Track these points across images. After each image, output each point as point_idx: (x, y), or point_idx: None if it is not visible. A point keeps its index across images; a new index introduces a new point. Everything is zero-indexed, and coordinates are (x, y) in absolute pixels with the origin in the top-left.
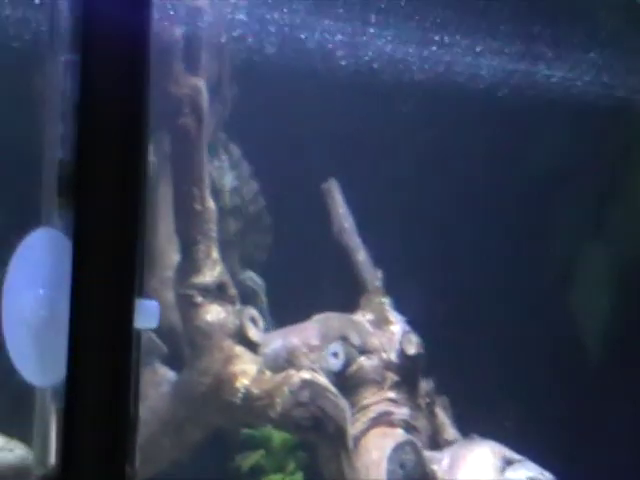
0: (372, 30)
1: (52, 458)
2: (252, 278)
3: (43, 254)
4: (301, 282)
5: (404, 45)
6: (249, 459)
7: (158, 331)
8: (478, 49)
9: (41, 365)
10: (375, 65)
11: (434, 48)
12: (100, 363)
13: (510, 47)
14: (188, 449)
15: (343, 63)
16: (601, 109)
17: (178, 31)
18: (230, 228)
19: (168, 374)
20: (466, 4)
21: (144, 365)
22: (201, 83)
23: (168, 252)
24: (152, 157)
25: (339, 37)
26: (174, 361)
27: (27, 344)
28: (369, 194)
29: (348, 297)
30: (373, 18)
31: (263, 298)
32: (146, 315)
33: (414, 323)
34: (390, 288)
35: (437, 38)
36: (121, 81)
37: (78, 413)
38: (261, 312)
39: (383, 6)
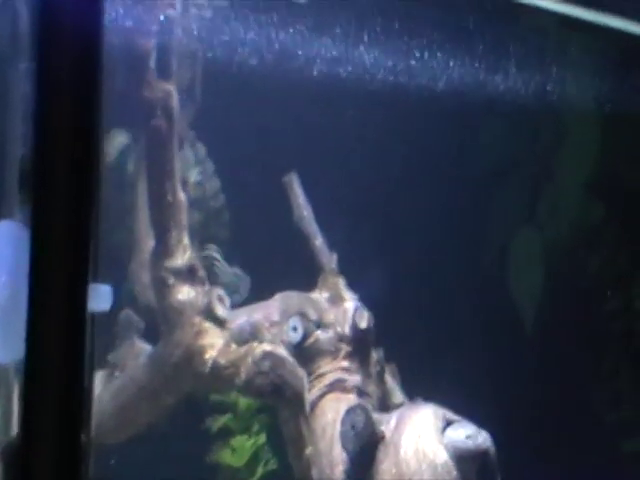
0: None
1: (14, 429)
2: (237, 274)
3: (5, 244)
4: (262, 267)
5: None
6: (218, 422)
7: (137, 308)
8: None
9: (4, 343)
10: (333, 68)
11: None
12: (55, 342)
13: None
14: (163, 413)
15: (309, 66)
16: (533, 108)
17: (151, 40)
18: (192, 219)
19: (145, 347)
20: None
21: (123, 339)
22: (172, 87)
23: (146, 239)
24: (129, 155)
25: (302, 38)
26: (152, 335)
27: None
28: (324, 188)
29: (306, 278)
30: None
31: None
32: (100, 298)
33: (366, 300)
34: (344, 270)
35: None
36: (73, 83)
37: (35, 388)
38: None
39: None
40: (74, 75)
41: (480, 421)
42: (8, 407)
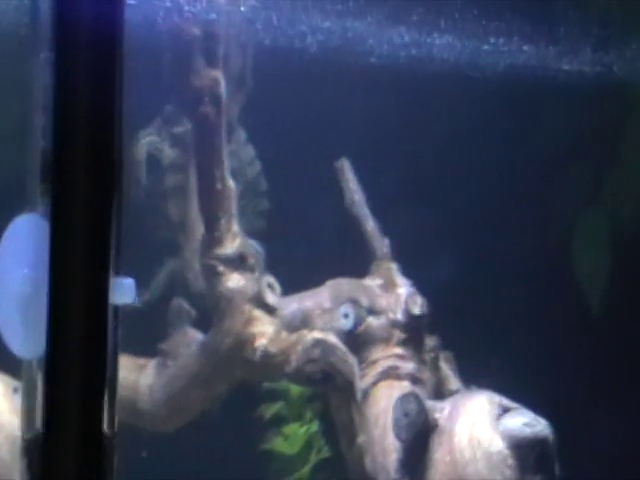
0: (386, 21)
1: (39, 423)
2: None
3: (28, 237)
4: (312, 254)
5: (407, 33)
6: (270, 409)
7: (189, 297)
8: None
9: (27, 338)
10: (387, 55)
11: (435, 34)
12: (76, 336)
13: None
14: (215, 401)
15: (359, 53)
16: (599, 89)
17: (198, 27)
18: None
19: (197, 335)
20: None
21: (175, 328)
22: (220, 75)
23: (197, 227)
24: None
25: (353, 26)
26: (205, 324)
27: (14, 320)
28: (380, 172)
29: (358, 265)
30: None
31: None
32: (123, 292)
33: (420, 286)
34: (398, 255)
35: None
36: (93, 75)
37: (56, 383)
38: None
39: None
40: (93, 65)
41: (539, 408)
42: (32, 403)
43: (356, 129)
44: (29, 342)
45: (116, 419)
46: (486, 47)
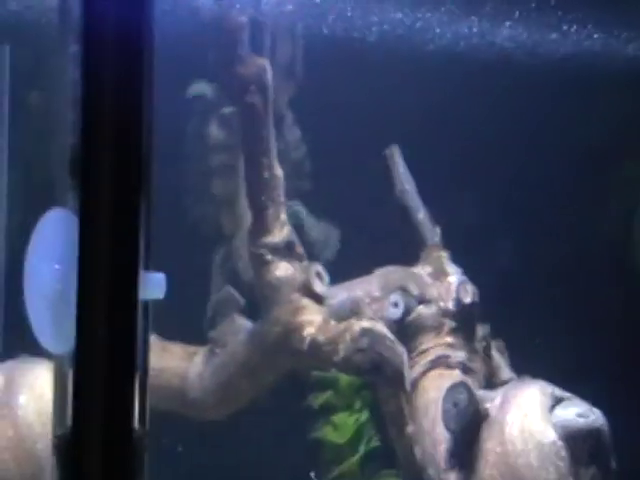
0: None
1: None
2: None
3: (57, 232)
4: (363, 242)
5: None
6: (320, 398)
7: (237, 285)
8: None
9: (57, 334)
10: (436, 41)
11: (484, 24)
12: (105, 331)
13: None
14: (264, 390)
15: (409, 40)
16: None
17: (244, 15)
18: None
19: (245, 324)
20: None
21: (224, 316)
22: (266, 63)
23: (246, 216)
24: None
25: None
26: (254, 312)
27: (45, 315)
28: (432, 160)
29: (409, 253)
30: None
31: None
32: (153, 287)
33: (472, 274)
34: (449, 244)
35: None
36: (120, 70)
37: (86, 378)
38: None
39: None
40: (120, 61)
41: (593, 399)
42: (63, 399)
43: (409, 117)
44: (59, 337)
45: (147, 415)
46: (547, 37)
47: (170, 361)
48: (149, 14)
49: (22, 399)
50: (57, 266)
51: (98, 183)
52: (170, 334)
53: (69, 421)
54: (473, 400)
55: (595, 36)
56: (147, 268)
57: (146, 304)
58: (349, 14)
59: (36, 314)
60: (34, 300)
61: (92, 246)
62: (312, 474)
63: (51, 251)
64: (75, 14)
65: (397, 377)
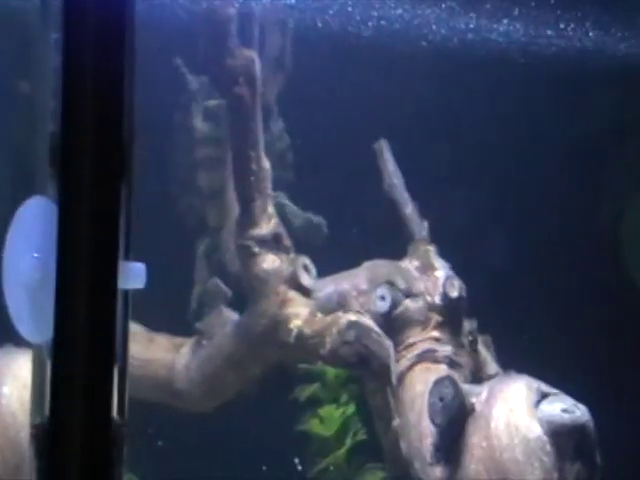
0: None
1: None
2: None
3: (37, 221)
4: (350, 236)
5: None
6: (306, 391)
7: (224, 277)
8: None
9: (36, 323)
10: (418, 32)
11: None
12: (84, 321)
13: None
14: (250, 382)
15: (398, 32)
16: None
17: (232, 7)
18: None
19: (232, 316)
20: None
21: (211, 308)
22: (255, 55)
23: (234, 207)
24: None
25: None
26: (241, 304)
27: (24, 304)
28: (421, 155)
29: (396, 247)
30: None
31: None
32: (133, 276)
33: (458, 269)
34: (436, 238)
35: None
36: (101, 58)
37: (65, 367)
38: None
39: None
40: (101, 49)
41: (578, 395)
42: (42, 388)
43: (399, 111)
44: (38, 326)
45: (126, 406)
46: (547, 33)
47: (157, 352)
48: (130, 3)
49: (6, 389)
50: (36, 255)
51: (78, 171)
52: (155, 325)
53: (47, 411)
54: (459, 394)
55: (596, 33)
56: (127, 257)
57: (126, 293)
58: (342, 7)
59: (15, 303)
60: (13, 289)
61: (71, 235)
62: (296, 461)
63: (30, 240)
64: (56, 1)
65: (383, 370)
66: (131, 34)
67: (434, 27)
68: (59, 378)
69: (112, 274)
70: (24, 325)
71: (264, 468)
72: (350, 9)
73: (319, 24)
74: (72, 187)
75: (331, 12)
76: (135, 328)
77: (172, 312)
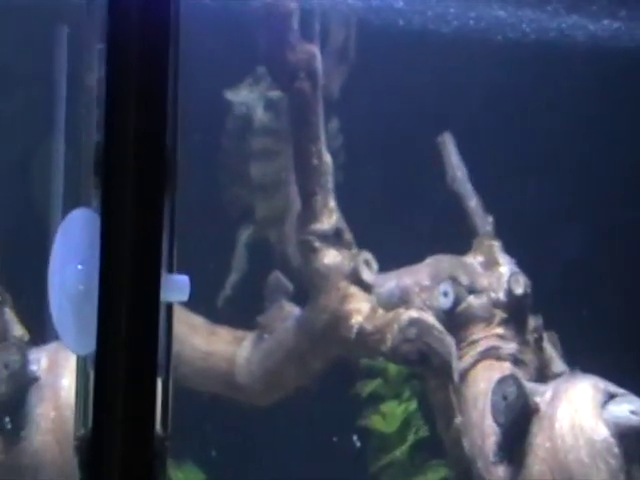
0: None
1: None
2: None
3: (81, 232)
4: (413, 229)
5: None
6: (368, 387)
7: (286, 271)
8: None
9: (80, 335)
10: (487, 28)
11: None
12: (126, 333)
13: None
14: (311, 377)
15: (457, 26)
16: None
17: (293, 3)
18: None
19: (294, 310)
20: None
21: (272, 302)
22: (316, 49)
23: (295, 201)
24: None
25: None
26: (303, 298)
27: (68, 316)
28: (483, 148)
29: (460, 242)
30: None
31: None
32: (176, 289)
33: (525, 263)
34: (500, 233)
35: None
36: (144, 68)
37: (107, 380)
38: None
39: None
40: (144, 59)
41: None
42: (86, 399)
43: (461, 105)
44: (82, 338)
45: (170, 418)
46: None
47: (218, 345)
48: (175, 11)
49: (65, 381)
50: (80, 266)
51: (120, 182)
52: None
53: (90, 423)
54: (522, 393)
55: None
56: (171, 269)
57: (169, 306)
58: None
59: (59, 314)
60: (58, 300)
61: (114, 247)
62: (354, 438)
63: (74, 251)
64: (101, 14)
65: (445, 368)
66: (175, 44)
67: (494, 17)
68: (102, 391)
69: (155, 287)
70: (68, 336)
71: (325, 463)
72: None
73: (384, 17)
74: (114, 198)
75: (398, 6)
76: (197, 320)
77: (210, 301)
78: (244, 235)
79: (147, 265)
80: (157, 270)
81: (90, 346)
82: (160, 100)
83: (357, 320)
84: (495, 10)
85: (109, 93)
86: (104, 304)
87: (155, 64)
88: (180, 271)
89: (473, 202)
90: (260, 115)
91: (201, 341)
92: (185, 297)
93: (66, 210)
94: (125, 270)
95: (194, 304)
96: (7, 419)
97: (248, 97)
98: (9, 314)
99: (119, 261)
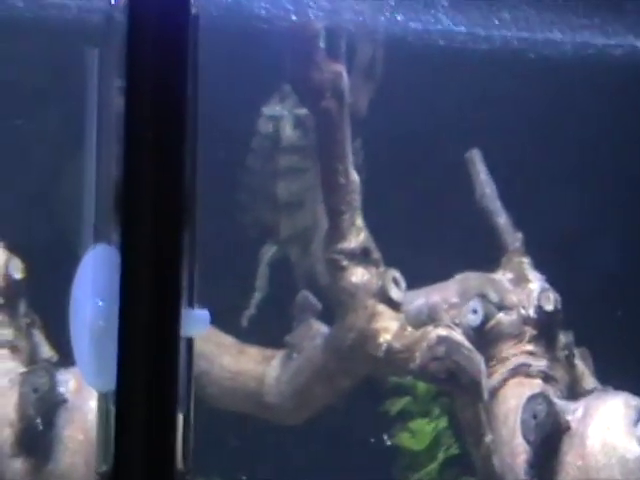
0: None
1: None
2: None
3: (101, 268)
4: (441, 246)
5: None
6: (397, 404)
7: (313, 289)
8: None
9: (101, 371)
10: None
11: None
12: (146, 369)
13: None
14: (339, 395)
15: (493, 41)
16: None
17: (319, 21)
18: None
19: (322, 328)
20: None
21: (301, 320)
22: (342, 68)
23: (323, 220)
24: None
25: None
26: (331, 316)
27: (89, 352)
28: (514, 164)
29: (489, 258)
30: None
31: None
32: (196, 323)
33: (553, 281)
34: (530, 250)
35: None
36: (162, 102)
37: (127, 416)
38: None
39: None
40: (162, 95)
41: None
42: (107, 435)
43: (489, 121)
44: (103, 375)
45: (191, 454)
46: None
47: (247, 364)
48: (193, 48)
49: (93, 404)
50: (100, 302)
51: (139, 217)
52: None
53: (112, 459)
54: (553, 411)
55: None
56: (191, 304)
57: (189, 341)
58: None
59: (80, 351)
60: (79, 337)
61: (133, 283)
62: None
63: (95, 287)
64: (119, 44)
65: (474, 386)
66: (195, 77)
67: (527, 34)
68: (122, 427)
69: (174, 322)
70: (89, 373)
71: None
72: (441, 17)
73: (411, 34)
74: (133, 234)
75: (423, 22)
76: (226, 340)
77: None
78: (267, 255)
79: (167, 301)
80: (177, 306)
81: (111, 383)
82: (179, 135)
83: (385, 338)
84: (525, 29)
85: (127, 128)
86: (124, 340)
87: (173, 98)
88: (203, 295)
89: (502, 219)
90: (288, 132)
91: (230, 360)
92: (205, 330)
93: (96, 239)
94: (144, 306)
95: (219, 324)
96: (36, 441)
97: (278, 112)
98: (38, 336)
99: (139, 297)
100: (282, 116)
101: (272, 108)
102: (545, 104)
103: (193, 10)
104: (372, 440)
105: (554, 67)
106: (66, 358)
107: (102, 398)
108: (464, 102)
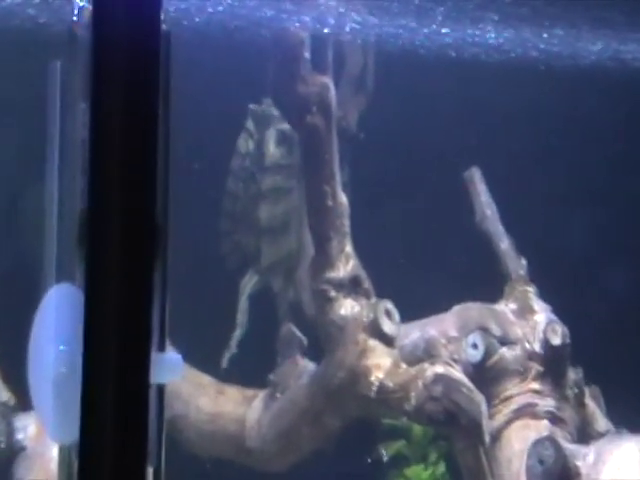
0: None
1: None
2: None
3: (64, 310)
4: (437, 275)
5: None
6: (391, 448)
7: (300, 323)
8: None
9: (62, 422)
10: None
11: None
12: (112, 420)
13: None
14: (328, 439)
15: (492, 52)
16: None
17: (304, 32)
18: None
19: (308, 366)
20: None
21: (285, 357)
22: (329, 80)
23: (309, 246)
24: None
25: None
26: (316, 352)
27: (50, 401)
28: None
29: (490, 287)
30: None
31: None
32: (168, 369)
33: (561, 312)
34: (535, 277)
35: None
36: (131, 128)
37: (91, 471)
38: None
39: None
40: (131, 120)
41: None
42: None
43: (488, 137)
44: (65, 426)
45: None
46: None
47: (226, 405)
48: (163, 74)
49: (55, 451)
50: (62, 347)
51: (105, 255)
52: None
53: None
54: (561, 456)
55: None
56: (162, 348)
57: (160, 387)
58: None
59: (40, 399)
60: (38, 385)
61: (98, 325)
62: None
63: (57, 330)
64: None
65: (474, 429)
66: (166, 99)
67: (521, 45)
68: None
69: (144, 368)
70: (49, 424)
71: None
72: (434, 27)
73: (402, 43)
74: (99, 272)
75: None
76: (203, 379)
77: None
78: (247, 286)
79: (135, 345)
80: (146, 350)
81: (74, 434)
82: (149, 165)
83: (377, 376)
84: (522, 37)
85: (93, 158)
86: (88, 388)
87: (143, 124)
88: (178, 334)
89: (505, 243)
90: (270, 150)
91: (208, 401)
92: (179, 376)
93: (58, 277)
94: (111, 351)
95: (196, 363)
96: None
97: (259, 129)
98: None
99: (104, 341)
100: (263, 133)
101: (252, 124)
102: (553, 121)
103: (163, 27)
104: None
105: (563, 81)
106: (25, 401)
107: (64, 451)
108: (463, 114)
